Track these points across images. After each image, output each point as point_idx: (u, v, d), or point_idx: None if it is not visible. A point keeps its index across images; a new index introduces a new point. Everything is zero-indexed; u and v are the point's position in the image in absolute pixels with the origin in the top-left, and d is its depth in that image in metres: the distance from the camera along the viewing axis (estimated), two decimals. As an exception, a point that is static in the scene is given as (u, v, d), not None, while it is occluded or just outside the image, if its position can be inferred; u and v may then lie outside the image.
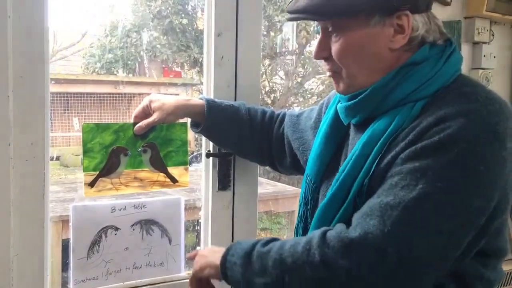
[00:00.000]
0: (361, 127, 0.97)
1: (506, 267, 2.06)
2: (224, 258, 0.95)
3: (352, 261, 0.79)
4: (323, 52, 0.97)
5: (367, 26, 0.91)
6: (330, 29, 0.94)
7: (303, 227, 1.07)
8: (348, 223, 0.85)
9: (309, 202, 1.06)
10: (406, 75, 0.91)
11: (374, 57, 0.93)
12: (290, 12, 0.97)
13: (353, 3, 0.89)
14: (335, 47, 0.94)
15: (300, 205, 1.10)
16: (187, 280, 1.42)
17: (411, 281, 0.80)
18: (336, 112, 1.05)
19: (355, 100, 0.96)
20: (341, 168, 0.95)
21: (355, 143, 0.95)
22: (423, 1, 0.92)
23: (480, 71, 2.06)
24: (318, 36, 1.00)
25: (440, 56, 0.93)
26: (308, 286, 0.83)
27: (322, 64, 1.01)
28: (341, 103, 1.01)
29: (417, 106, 0.88)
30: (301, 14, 0.94)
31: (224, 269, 0.95)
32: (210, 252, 1.02)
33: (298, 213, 1.10)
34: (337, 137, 1.04)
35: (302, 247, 0.84)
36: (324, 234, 0.84)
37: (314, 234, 0.85)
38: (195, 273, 1.04)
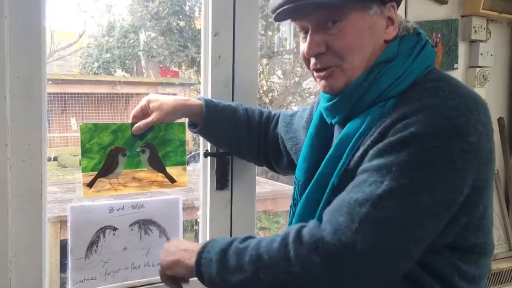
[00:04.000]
0: (342, 126, 0.97)
1: (505, 265, 2.07)
2: (200, 255, 0.93)
3: (323, 257, 0.79)
4: (319, 47, 0.94)
5: (367, 15, 0.92)
6: (329, 23, 0.92)
7: None
8: None
9: (298, 204, 1.05)
10: (379, 73, 0.92)
11: (372, 48, 0.93)
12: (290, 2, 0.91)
13: None
14: (337, 38, 0.92)
15: (290, 207, 1.09)
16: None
17: (378, 276, 0.81)
18: (322, 112, 1.05)
19: (332, 101, 0.97)
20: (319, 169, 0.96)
21: None
22: None
23: (477, 69, 2.06)
24: (302, 35, 0.98)
25: (410, 52, 0.93)
26: (282, 282, 0.83)
27: (312, 63, 0.97)
28: (323, 102, 1.01)
29: (388, 104, 0.90)
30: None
31: (199, 267, 0.92)
32: (179, 251, 0.99)
33: (289, 215, 1.10)
34: (323, 137, 1.04)
35: (279, 243, 0.84)
36: (299, 231, 0.85)
37: (290, 231, 0.86)
38: (163, 271, 1.01)
